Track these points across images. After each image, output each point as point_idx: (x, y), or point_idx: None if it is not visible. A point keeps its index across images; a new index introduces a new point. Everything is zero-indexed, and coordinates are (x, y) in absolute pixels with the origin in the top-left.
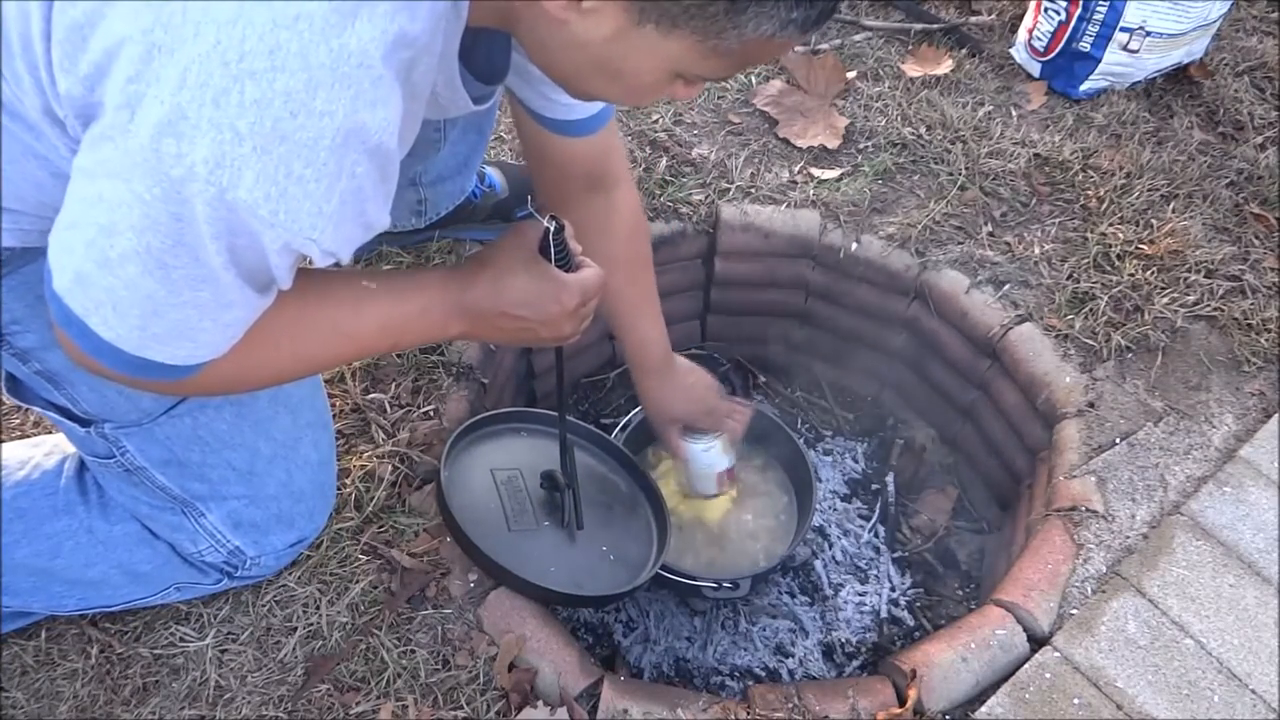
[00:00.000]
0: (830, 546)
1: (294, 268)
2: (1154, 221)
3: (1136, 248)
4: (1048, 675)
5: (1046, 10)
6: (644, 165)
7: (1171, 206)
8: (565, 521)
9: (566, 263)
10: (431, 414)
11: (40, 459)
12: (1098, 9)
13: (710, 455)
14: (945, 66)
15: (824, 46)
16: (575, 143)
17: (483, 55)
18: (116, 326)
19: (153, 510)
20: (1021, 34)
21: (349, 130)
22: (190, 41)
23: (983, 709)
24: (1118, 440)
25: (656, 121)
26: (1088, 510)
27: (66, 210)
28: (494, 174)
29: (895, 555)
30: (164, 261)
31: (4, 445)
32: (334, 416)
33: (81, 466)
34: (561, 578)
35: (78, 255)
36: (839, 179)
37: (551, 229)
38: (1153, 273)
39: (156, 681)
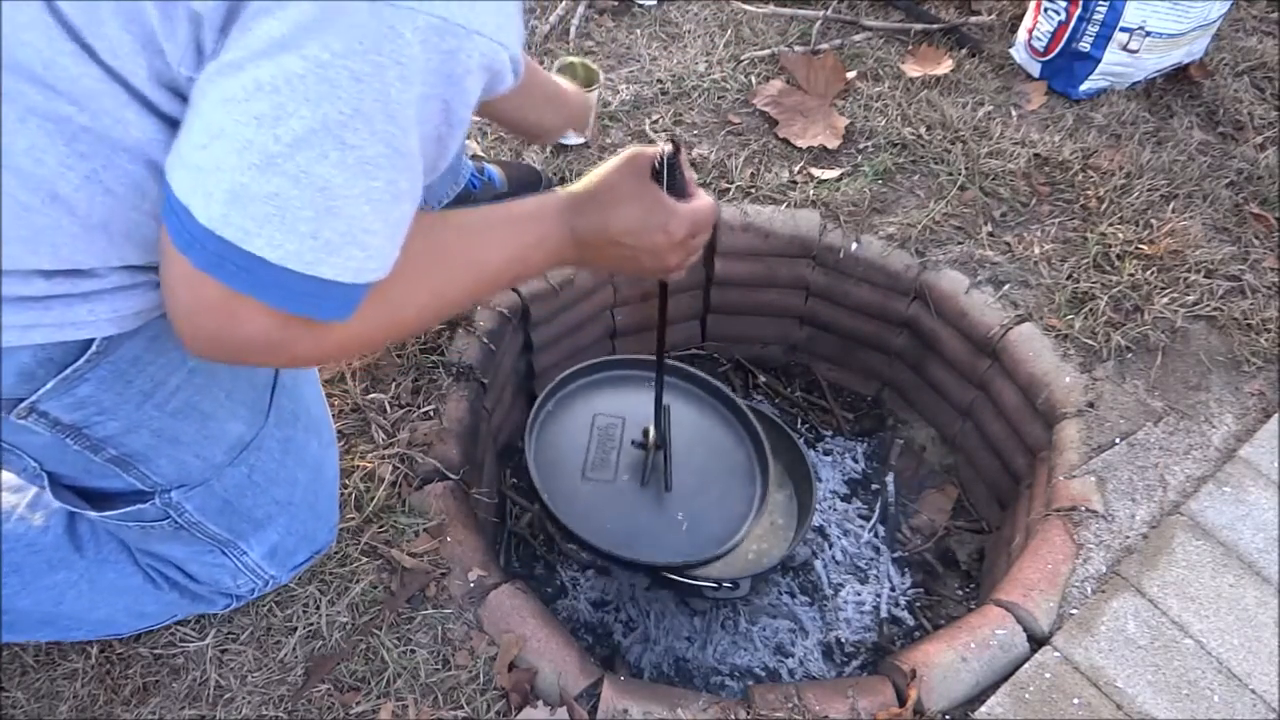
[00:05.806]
0: (830, 546)
1: (468, 120)
2: (1154, 221)
3: (1136, 248)
4: (1047, 675)
5: (1046, 10)
6: None
7: (1171, 206)
8: (644, 481)
9: (680, 190)
10: (431, 414)
11: (24, 511)
12: (1098, 9)
13: None
14: (945, 66)
15: (824, 46)
16: None
17: None
18: (285, 242)
19: (189, 554)
20: (1021, 34)
21: None
22: None
23: (983, 709)
24: (1117, 440)
25: (656, 121)
26: (1087, 510)
27: (203, 127)
28: (493, 169)
29: (895, 555)
30: (342, 139)
31: None
32: (334, 416)
33: (71, 518)
34: (610, 534)
35: (229, 168)
36: (839, 179)
37: (667, 152)
38: (1153, 273)
39: (156, 681)
